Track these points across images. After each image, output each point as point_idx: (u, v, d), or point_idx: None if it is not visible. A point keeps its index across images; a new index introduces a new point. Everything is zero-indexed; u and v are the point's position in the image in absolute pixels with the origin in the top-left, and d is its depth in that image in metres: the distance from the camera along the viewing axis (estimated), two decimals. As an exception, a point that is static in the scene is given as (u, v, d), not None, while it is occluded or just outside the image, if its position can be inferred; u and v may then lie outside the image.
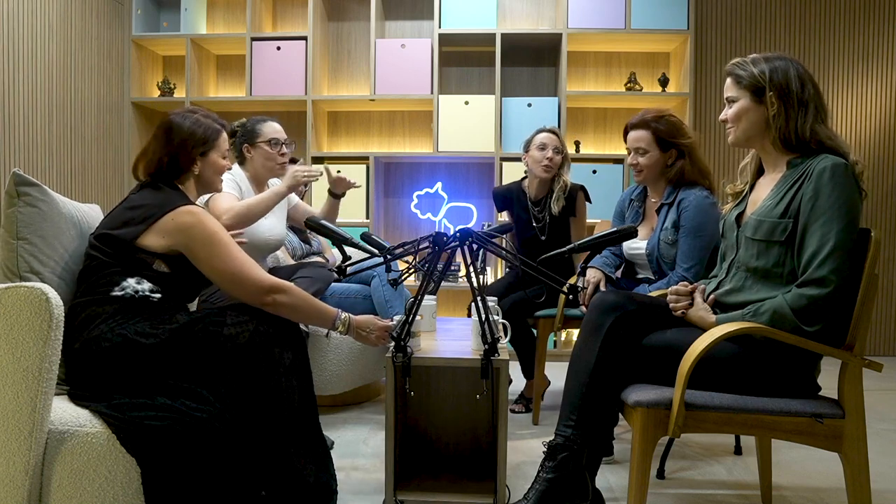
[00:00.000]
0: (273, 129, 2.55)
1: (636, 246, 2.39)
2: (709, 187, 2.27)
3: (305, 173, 2.35)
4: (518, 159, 3.96)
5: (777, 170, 1.63)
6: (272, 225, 2.55)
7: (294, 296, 1.64)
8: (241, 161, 2.58)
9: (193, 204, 1.69)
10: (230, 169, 1.86)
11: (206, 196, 2.36)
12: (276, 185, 2.75)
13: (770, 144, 1.61)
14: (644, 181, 2.39)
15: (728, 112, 1.65)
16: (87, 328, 1.51)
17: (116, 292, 1.56)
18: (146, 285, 1.59)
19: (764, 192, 1.64)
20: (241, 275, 1.62)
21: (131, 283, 1.58)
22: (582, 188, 2.91)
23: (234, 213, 2.24)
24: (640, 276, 2.46)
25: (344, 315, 1.75)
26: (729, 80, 1.65)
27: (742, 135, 1.64)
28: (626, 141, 2.40)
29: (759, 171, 1.72)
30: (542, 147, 2.86)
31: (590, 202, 2.96)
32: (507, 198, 3.06)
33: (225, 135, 1.83)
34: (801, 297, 1.45)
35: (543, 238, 2.92)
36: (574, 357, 1.65)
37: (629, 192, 2.55)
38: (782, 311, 1.46)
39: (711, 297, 1.67)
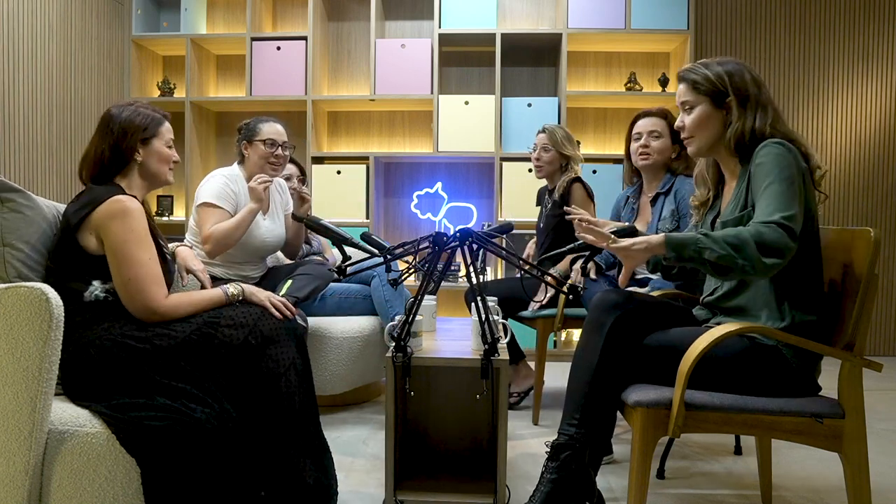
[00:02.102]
0: (272, 129, 2.55)
1: None
2: None
3: (258, 182, 2.40)
4: (518, 159, 3.98)
5: (734, 173, 1.64)
6: (270, 227, 2.56)
7: (171, 313, 1.57)
8: (242, 160, 2.60)
9: (131, 196, 1.62)
10: (177, 161, 1.81)
11: (198, 201, 2.42)
12: (278, 183, 2.77)
13: (725, 150, 1.60)
14: (650, 165, 2.42)
15: (686, 119, 1.63)
16: (73, 335, 1.50)
17: (88, 297, 1.56)
18: (110, 284, 1.58)
19: (728, 198, 1.65)
20: (136, 283, 1.54)
21: (97, 284, 1.57)
22: (577, 179, 2.84)
23: (214, 240, 2.35)
24: (638, 276, 2.46)
25: (232, 289, 1.70)
26: (683, 86, 1.62)
27: (705, 144, 1.62)
28: (632, 129, 2.46)
29: (720, 177, 1.72)
30: (534, 148, 2.91)
31: (590, 196, 2.85)
32: (542, 192, 3.12)
33: (168, 125, 1.78)
34: (764, 227, 1.38)
35: (541, 226, 2.96)
36: (577, 357, 1.64)
37: (625, 192, 2.58)
38: (742, 237, 1.37)
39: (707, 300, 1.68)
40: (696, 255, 1.40)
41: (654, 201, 2.37)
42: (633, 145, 2.45)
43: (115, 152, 1.68)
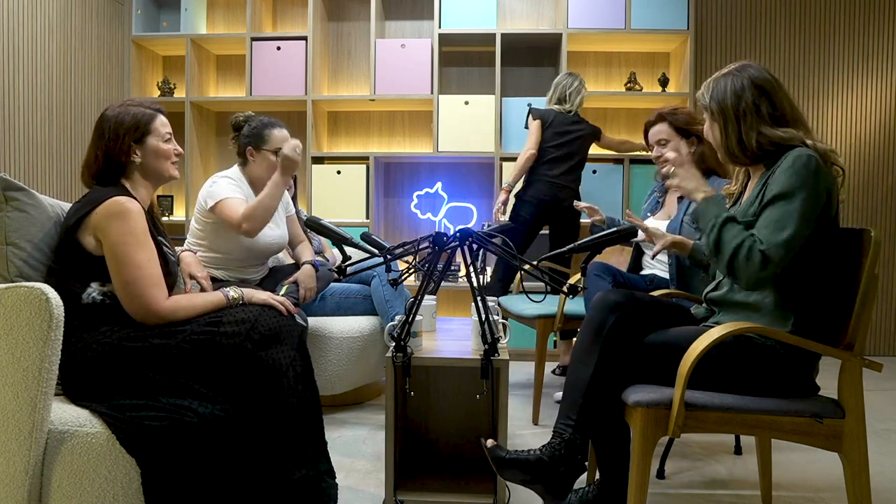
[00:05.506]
0: (282, 137, 2.48)
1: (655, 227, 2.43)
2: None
3: (293, 148, 2.27)
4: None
5: (755, 173, 1.67)
6: (273, 229, 2.54)
7: (170, 316, 1.56)
8: (244, 162, 2.53)
9: (132, 198, 1.61)
10: (180, 153, 1.77)
11: (212, 202, 2.36)
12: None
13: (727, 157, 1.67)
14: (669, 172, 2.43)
15: None
16: (72, 337, 1.49)
17: (85, 299, 1.56)
18: (109, 287, 1.57)
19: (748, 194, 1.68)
20: (135, 286, 1.53)
21: (95, 286, 1.57)
22: None
23: (250, 216, 2.26)
24: (644, 272, 2.47)
25: (232, 292, 1.68)
26: None
27: (712, 151, 1.77)
28: (646, 141, 2.50)
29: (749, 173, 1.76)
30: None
31: None
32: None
33: (162, 118, 1.73)
34: (750, 253, 1.45)
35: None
36: (575, 355, 1.63)
37: (654, 185, 2.66)
38: (726, 249, 1.48)
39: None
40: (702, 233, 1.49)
41: (680, 197, 2.40)
42: (653, 155, 2.50)
43: (108, 158, 1.66)
